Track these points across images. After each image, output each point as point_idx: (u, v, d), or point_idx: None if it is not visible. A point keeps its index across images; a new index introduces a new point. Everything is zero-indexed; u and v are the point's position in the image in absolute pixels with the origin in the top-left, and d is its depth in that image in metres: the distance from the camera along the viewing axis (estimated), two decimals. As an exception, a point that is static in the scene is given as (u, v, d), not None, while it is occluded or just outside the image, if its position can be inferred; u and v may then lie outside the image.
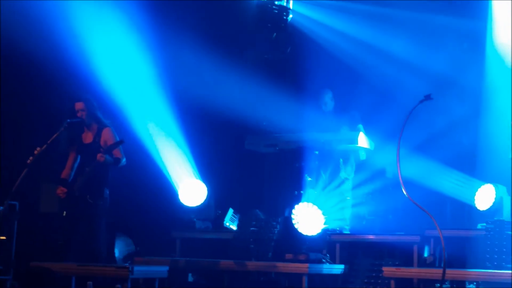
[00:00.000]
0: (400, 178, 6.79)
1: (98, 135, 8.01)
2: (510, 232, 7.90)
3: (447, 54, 10.15)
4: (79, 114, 7.96)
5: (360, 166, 9.75)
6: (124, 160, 7.95)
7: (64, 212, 7.76)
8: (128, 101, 9.70)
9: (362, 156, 9.54)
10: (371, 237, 9.06)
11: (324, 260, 8.57)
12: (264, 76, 10.35)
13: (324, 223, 8.55)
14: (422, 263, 8.42)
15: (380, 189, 9.81)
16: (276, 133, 9.52)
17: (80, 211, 7.81)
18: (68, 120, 7.87)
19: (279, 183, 9.67)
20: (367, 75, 10.38)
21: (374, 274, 8.41)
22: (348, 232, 9.37)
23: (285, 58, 10.91)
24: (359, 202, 9.75)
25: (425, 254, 8.55)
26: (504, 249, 7.86)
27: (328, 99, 9.85)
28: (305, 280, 8.19)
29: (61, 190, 7.87)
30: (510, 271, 7.28)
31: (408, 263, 8.51)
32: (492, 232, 8.02)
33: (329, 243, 8.95)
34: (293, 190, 8.84)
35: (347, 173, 9.57)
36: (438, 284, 7.86)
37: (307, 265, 8.19)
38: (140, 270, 7.14)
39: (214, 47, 10.36)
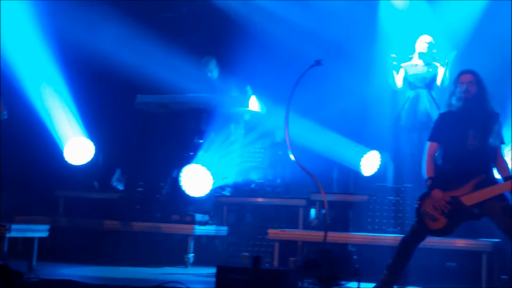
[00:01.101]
0: (288, 142, 6.83)
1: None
2: (392, 198, 8.13)
3: (340, 21, 10.23)
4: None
5: (250, 129, 9.75)
6: (5, 113, 7.60)
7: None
8: (16, 58, 9.30)
9: (246, 116, 9.54)
10: (259, 199, 9.13)
11: (210, 222, 8.56)
12: (158, 35, 10.14)
13: (212, 185, 8.51)
14: (307, 226, 8.56)
15: (269, 152, 9.85)
16: (168, 94, 9.37)
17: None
18: None
19: (169, 144, 9.56)
20: (260, 39, 10.35)
21: (260, 236, 8.49)
22: (229, 194, 9.37)
23: (180, 18, 10.71)
24: (248, 165, 9.76)
25: (311, 217, 8.68)
26: (385, 214, 8.09)
27: (213, 66, 9.74)
28: (190, 241, 8.17)
29: None
30: (391, 235, 7.51)
31: (294, 225, 8.64)
32: (375, 197, 8.24)
33: (217, 205, 8.96)
34: (183, 151, 8.77)
35: (237, 135, 9.55)
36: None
37: (193, 226, 8.17)
38: (18, 228, 6.87)
39: (106, 5, 10.04)
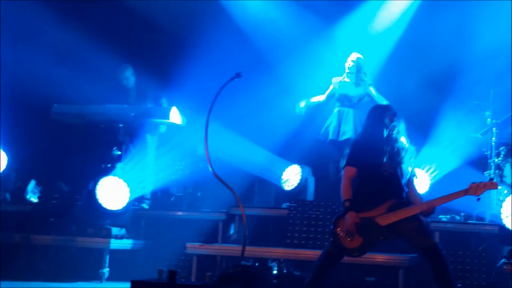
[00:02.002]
0: (207, 155, 6.69)
1: None
2: (312, 212, 8.10)
3: (264, 34, 10.24)
4: None
5: (170, 141, 9.59)
6: None
7: None
8: None
9: (162, 129, 9.40)
10: (178, 213, 8.98)
11: (127, 236, 8.34)
12: (74, 43, 9.89)
13: (129, 198, 8.29)
14: (227, 240, 8.44)
15: (189, 165, 9.71)
16: (84, 104, 9.12)
17: None
18: None
19: (86, 156, 9.30)
20: (184, 50, 10.26)
21: (178, 250, 8.32)
22: (147, 208, 9.18)
23: (98, 26, 10.49)
24: (168, 178, 9.58)
25: (231, 231, 8.57)
26: (305, 228, 8.05)
27: (129, 74, 9.55)
28: (106, 255, 7.95)
29: None
30: (310, 250, 7.47)
31: (214, 240, 8.50)
32: (295, 211, 8.19)
33: (134, 218, 8.75)
34: (100, 163, 8.53)
35: (152, 147, 9.37)
36: (243, 262, 7.90)
37: (108, 240, 7.96)
38: None
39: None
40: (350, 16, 10.23)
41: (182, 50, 10.25)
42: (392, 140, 5.95)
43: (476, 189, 5.61)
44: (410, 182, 5.94)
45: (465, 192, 5.64)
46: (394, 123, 5.98)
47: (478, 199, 5.64)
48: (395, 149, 5.92)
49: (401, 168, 5.86)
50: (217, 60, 9.75)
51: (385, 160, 5.85)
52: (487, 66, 9.12)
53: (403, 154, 5.91)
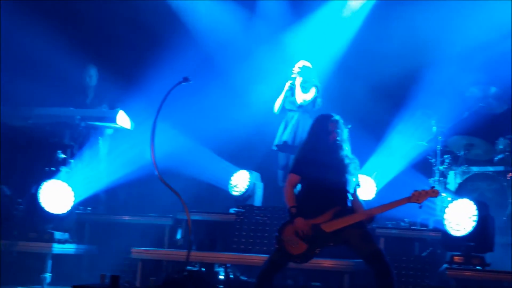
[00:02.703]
0: (153, 159, 6.63)
1: None
2: (259, 218, 8.10)
3: (216, 38, 10.23)
4: None
5: (119, 146, 9.48)
6: None
7: None
8: None
9: (109, 132, 9.34)
10: (125, 217, 8.88)
11: (70, 240, 8.20)
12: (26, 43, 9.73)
13: (74, 202, 8.15)
14: (174, 245, 8.38)
15: (137, 170, 9.60)
16: (31, 106, 8.95)
17: None
18: None
19: (29, 159, 9.13)
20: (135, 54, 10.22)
21: (124, 255, 8.21)
22: (91, 212, 9.05)
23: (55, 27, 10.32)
24: (115, 182, 9.47)
25: (178, 236, 8.51)
26: (252, 233, 8.05)
27: (93, 72, 9.59)
28: (48, 260, 7.81)
29: None
30: (257, 255, 7.45)
31: (161, 245, 8.43)
32: (242, 216, 8.18)
33: (79, 223, 8.61)
34: (43, 166, 8.37)
35: (102, 151, 9.26)
36: (190, 267, 7.85)
37: (51, 244, 7.82)
38: None
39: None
40: (302, 22, 10.30)
41: (141, 55, 10.18)
42: (336, 148, 5.99)
43: (418, 197, 5.68)
44: (354, 193, 5.98)
45: (408, 199, 5.71)
46: (338, 130, 6.01)
47: (420, 207, 5.72)
48: (340, 157, 5.95)
49: (345, 176, 5.90)
50: (174, 66, 9.72)
51: (329, 168, 5.87)
52: (436, 74, 9.27)
53: (347, 161, 5.95)
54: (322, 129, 6.07)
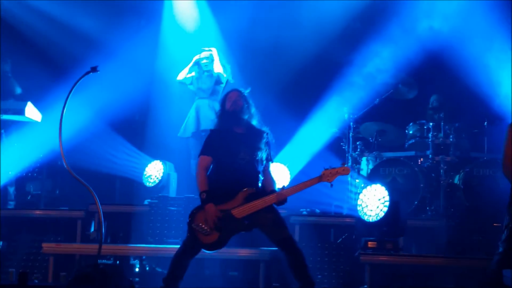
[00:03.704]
0: (61, 151, 6.39)
1: None
2: (173, 208, 8.01)
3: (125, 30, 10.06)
4: None
5: (27, 138, 9.17)
6: None
7: None
8: None
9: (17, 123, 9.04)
10: (36, 212, 8.60)
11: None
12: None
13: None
14: (86, 238, 8.18)
15: (47, 163, 9.36)
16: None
17: None
18: None
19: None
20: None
21: (34, 251, 7.96)
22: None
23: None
24: (24, 176, 9.20)
25: (91, 230, 8.31)
26: (166, 224, 7.95)
27: (7, 68, 9.43)
28: None
29: None
30: (171, 246, 7.35)
31: (73, 238, 8.22)
32: (156, 207, 8.06)
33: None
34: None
35: (7, 144, 8.95)
36: (104, 260, 7.70)
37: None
38: None
39: None
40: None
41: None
42: (242, 123, 5.85)
43: (329, 176, 5.60)
44: (265, 168, 5.85)
45: (319, 179, 5.63)
46: (236, 99, 5.87)
47: (331, 185, 5.63)
48: (249, 134, 5.82)
49: (256, 153, 5.76)
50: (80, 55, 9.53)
51: (237, 145, 5.74)
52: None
53: (257, 139, 5.82)
54: (222, 103, 5.98)
